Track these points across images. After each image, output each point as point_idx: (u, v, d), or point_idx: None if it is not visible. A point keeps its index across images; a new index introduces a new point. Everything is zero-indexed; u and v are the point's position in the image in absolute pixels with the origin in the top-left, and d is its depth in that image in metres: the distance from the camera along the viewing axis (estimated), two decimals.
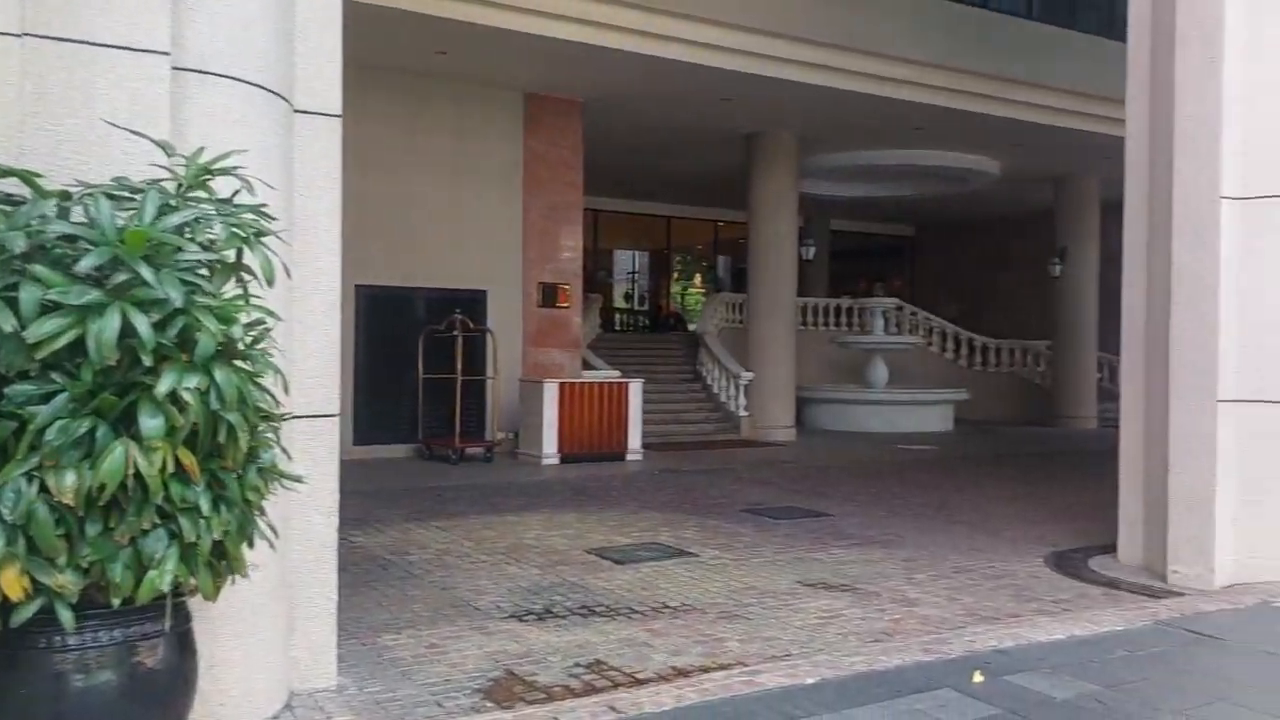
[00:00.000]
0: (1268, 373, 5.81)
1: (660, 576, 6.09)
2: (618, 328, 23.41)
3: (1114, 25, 6.83)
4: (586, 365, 13.75)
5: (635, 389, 12.37)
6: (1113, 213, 7.00)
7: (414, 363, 12.10)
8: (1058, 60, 13.58)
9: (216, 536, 2.63)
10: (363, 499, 8.75)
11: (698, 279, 26.36)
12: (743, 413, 15.14)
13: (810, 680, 3.92)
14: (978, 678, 3.94)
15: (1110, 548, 6.71)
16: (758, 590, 5.76)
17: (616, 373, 13.23)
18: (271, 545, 2.94)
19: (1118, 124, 7.19)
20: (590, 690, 3.99)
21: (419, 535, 7.32)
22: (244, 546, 2.79)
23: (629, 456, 12.17)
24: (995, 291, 22.54)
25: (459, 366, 11.93)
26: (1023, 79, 13.41)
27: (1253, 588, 5.61)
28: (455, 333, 11.97)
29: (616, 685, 4.05)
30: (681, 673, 4.22)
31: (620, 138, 15.19)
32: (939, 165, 16.25)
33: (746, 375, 15.15)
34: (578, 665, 4.33)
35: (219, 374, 2.58)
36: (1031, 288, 20.45)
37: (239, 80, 3.41)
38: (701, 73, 11.96)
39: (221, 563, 2.75)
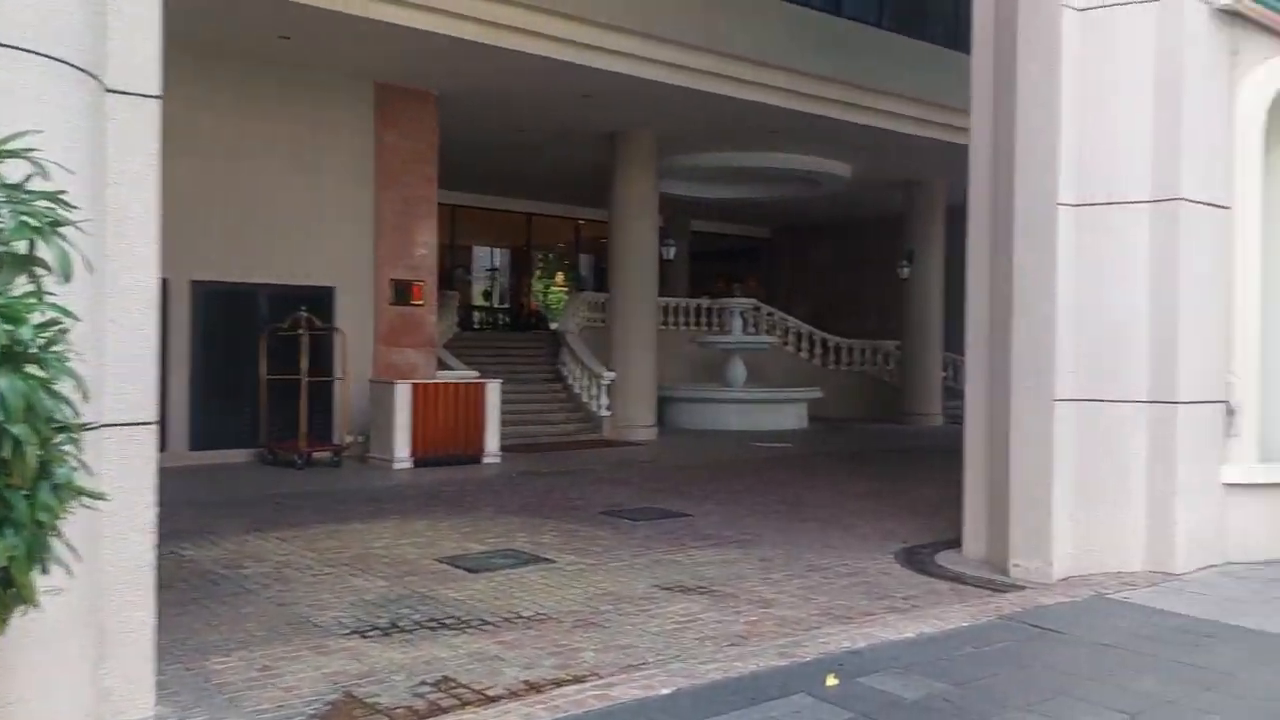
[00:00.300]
0: (1101, 372, 6.08)
1: (515, 584, 5.91)
2: (477, 326, 22.98)
3: (958, 37, 7.06)
4: (442, 365, 13.38)
5: (493, 389, 12.09)
6: (958, 217, 7.23)
7: (256, 363, 11.49)
8: (907, 69, 14.06)
9: (1, 563, 2.32)
10: (197, 509, 8.23)
11: (560, 277, 26.17)
12: (604, 412, 15.06)
13: (665, 691, 3.82)
14: (832, 681, 3.93)
15: (956, 543, 6.91)
16: (615, 596, 5.65)
17: (474, 373, 12.93)
18: (68, 570, 2.63)
19: (962, 132, 7.42)
20: (435, 710, 3.78)
21: (257, 547, 6.90)
22: (34, 573, 2.47)
23: (486, 459, 11.89)
24: (848, 292, 23.22)
25: (304, 367, 11.38)
26: (873, 86, 13.81)
27: (1088, 579, 5.85)
28: (300, 331, 11.41)
29: (464, 704, 3.85)
30: (534, 687, 4.06)
31: (479, 132, 14.87)
32: (794, 168, 16.59)
33: (608, 375, 15.08)
34: (424, 683, 4.11)
35: (3, 381, 2.27)
36: (882, 289, 21.14)
37: (37, 53, 3.06)
38: (559, 68, 11.79)
39: (9, 591, 2.44)
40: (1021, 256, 6.23)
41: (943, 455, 7.04)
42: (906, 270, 19.18)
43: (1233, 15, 6.12)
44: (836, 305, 23.21)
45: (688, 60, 12.35)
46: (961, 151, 7.02)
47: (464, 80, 12.32)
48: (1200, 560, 6.05)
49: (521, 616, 5.20)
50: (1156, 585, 5.70)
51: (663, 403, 16.56)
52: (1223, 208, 6.19)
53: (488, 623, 5.07)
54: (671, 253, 18.56)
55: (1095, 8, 6.08)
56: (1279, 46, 6.46)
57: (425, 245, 12.95)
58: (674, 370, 18.01)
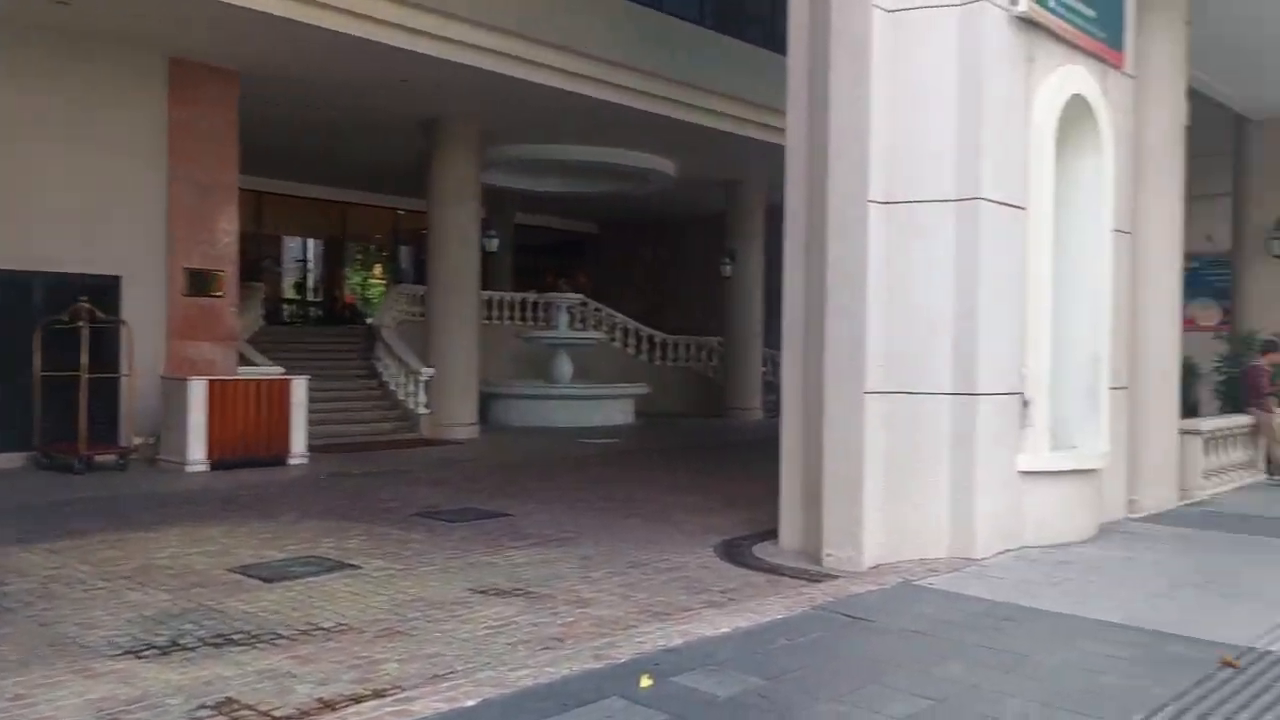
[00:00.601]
0: (908, 366, 6.23)
1: (315, 594, 5.51)
2: (287, 320, 21.81)
3: (776, 38, 7.13)
4: (245, 361, 12.54)
5: (299, 386, 11.42)
6: (778, 216, 7.29)
7: (29, 358, 10.41)
8: (727, 68, 14.23)
9: None
10: None
11: (378, 270, 25.22)
12: (423, 410, 14.56)
13: (471, 702, 3.58)
14: (646, 682, 3.79)
15: (774, 534, 6.96)
16: (425, 602, 5.35)
17: (279, 369, 12.19)
18: None
19: (780, 132, 7.48)
20: None
21: (22, 560, 6.19)
22: None
23: (293, 460, 11.22)
24: (675, 289, 23.46)
25: (84, 362, 10.38)
26: (695, 83, 13.90)
27: (896, 567, 5.98)
28: (80, 324, 10.41)
29: None
30: (328, 705, 3.74)
31: (288, 114, 14.06)
32: (620, 164, 16.55)
33: (427, 371, 14.58)
34: (203, 707, 3.71)
35: None
36: (706, 286, 21.45)
37: None
38: (373, 50, 11.24)
39: None
40: (834, 253, 6.32)
41: (762, 448, 7.09)
42: (729, 268, 19.53)
43: (1029, 23, 6.39)
44: (664, 301, 23.42)
45: (508, 48, 12.04)
46: (780, 151, 7.08)
47: (271, 59, 11.59)
48: (999, 545, 6.30)
49: (320, 628, 4.83)
50: (959, 571, 5.88)
51: (486, 400, 16.20)
52: (1018, 208, 6.46)
53: (281, 636, 4.68)
54: (494, 245, 18.21)
55: (903, 9, 6.23)
56: (1071, 55, 6.83)
57: (226, 233, 12.09)
58: (498, 366, 17.67)
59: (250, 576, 5.88)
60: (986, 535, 6.22)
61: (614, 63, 12.94)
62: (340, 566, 6.18)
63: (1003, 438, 6.35)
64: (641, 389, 18.17)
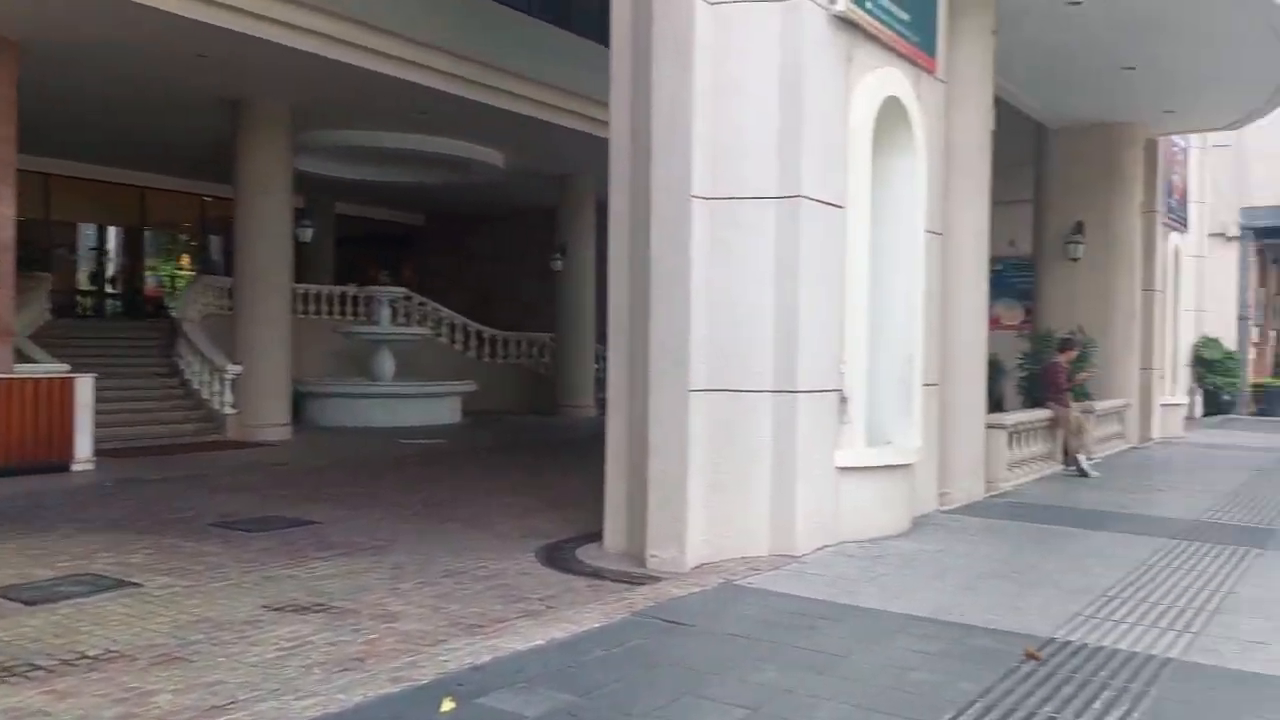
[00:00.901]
0: (731, 363, 6.17)
1: (85, 617, 4.94)
2: (79, 313, 20.07)
3: (604, 30, 6.96)
4: (23, 357, 11.35)
5: (84, 385, 10.42)
6: (608, 211, 7.10)
7: None
8: (556, 59, 13.94)
9: None
10: None
11: (185, 260, 23.58)
12: (229, 410, 13.62)
13: None
14: (447, 705, 3.51)
15: (600, 536, 6.78)
16: (212, 622, 4.88)
17: (64, 366, 11.10)
18: None
19: (607, 126, 7.28)
20: None
21: None
22: None
23: (77, 466, 10.23)
24: (506, 284, 22.98)
25: None
26: (523, 73, 13.56)
27: (719, 567, 5.91)
28: None
29: None
30: None
31: (78, 90, 12.86)
32: (443, 153, 15.98)
33: (233, 368, 13.65)
34: None
35: None
36: (538, 281, 21.11)
37: None
38: (163, 19, 10.25)
39: None
40: (658, 248, 6.20)
41: (593, 446, 6.91)
42: (560, 263, 19.29)
43: (847, 23, 6.44)
44: (494, 297, 22.91)
45: (318, 25, 11.29)
46: (607, 145, 6.89)
47: (49, 25, 10.49)
48: (819, 541, 6.33)
49: (86, 657, 4.31)
50: (780, 569, 5.86)
51: (300, 399, 15.36)
52: (838, 207, 6.51)
53: (39, 668, 4.15)
54: (309, 234, 17.31)
55: (725, 2, 6.16)
56: (887, 58, 6.95)
57: (2, 217, 10.89)
58: (315, 363, 16.81)
59: (9, 599, 5.24)
60: (807, 532, 6.23)
61: (433, 46, 12.39)
62: (118, 585, 5.59)
63: (822, 435, 6.38)
64: (469, 387, 17.68)
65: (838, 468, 6.51)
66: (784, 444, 6.18)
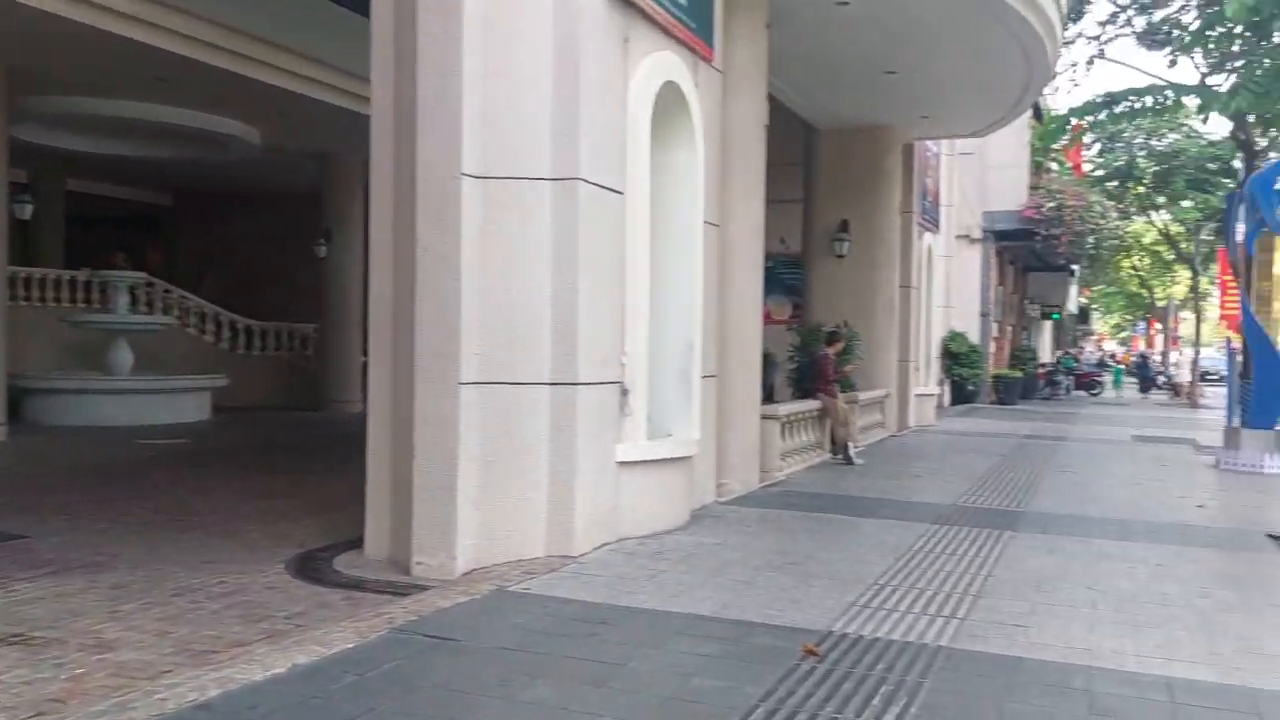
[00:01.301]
0: (506, 354, 5.80)
1: None
2: None
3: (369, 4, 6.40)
4: None
5: None
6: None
7: None
8: (318, 31, 12.90)
9: None
10: None
11: None
12: None
13: None
14: None
15: (362, 542, 6.23)
16: None
17: None
18: None
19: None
20: None
21: None
22: None
23: None
24: (267, 271, 21.39)
25: None
26: (277, 42, 12.48)
27: (491, 572, 5.53)
28: None
29: None
30: None
31: None
32: (191, 126, 14.52)
33: None
34: None
35: None
36: (301, 268, 19.78)
37: None
38: None
39: None
40: (425, 230, 5.73)
41: (357, 445, 6.33)
42: (325, 249, 18.16)
43: (624, 2, 6.20)
44: (252, 284, 21.27)
45: None
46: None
47: None
48: (598, 539, 6.08)
49: None
50: (556, 570, 5.55)
51: (19, 395, 13.57)
52: (617, 192, 6.27)
53: None
54: (28, 212, 15.36)
55: None
56: (665, 42, 6.77)
57: None
58: (39, 356, 14.95)
59: None
60: (586, 531, 5.95)
61: (168, 5, 11.10)
62: None
63: (602, 428, 6.13)
64: (220, 380, 16.23)
65: (619, 462, 6.29)
66: (563, 439, 5.87)
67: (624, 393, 6.32)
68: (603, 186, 6.09)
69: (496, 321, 5.78)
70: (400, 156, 6.03)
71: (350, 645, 4.15)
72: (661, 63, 6.71)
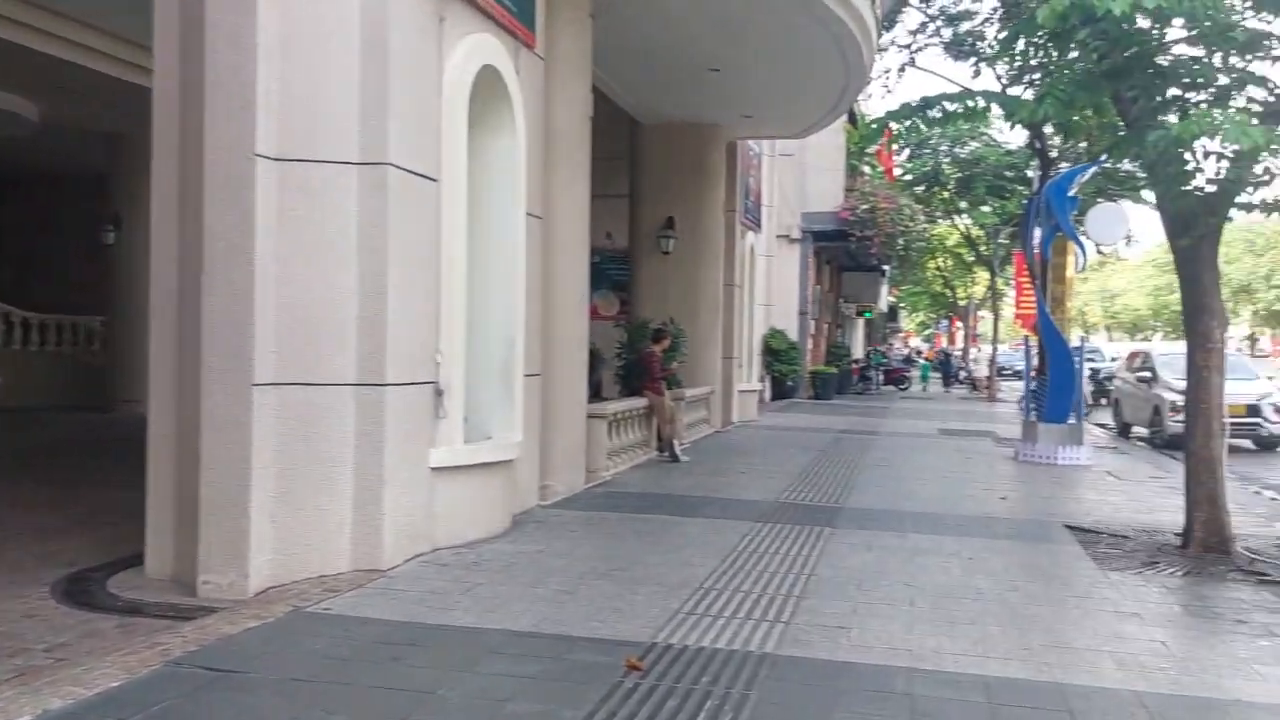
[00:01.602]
0: (306, 353, 5.33)
1: None
2: None
3: None
4: None
5: None
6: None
7: None
8: None
9: None
10: None
11: None
12: None
13: None
14: None
15: (142, 559, 5.60)
16: None
17: None
18: None
19: None
20: None
21: None
22: None
23: None
24: (43, 259, 19.47)
25: None
26: (55, 8, 11.28)
27: (288, 590, 5.06)
28: None
29: None
30: None
31: None
32: None
33: None
34: None
35: None
36: (87, 257, 18.11)
37: None
38: None
39: None
40: (214, 216, 5.20)
41: (145, 449, 5.67)
42: (113, 236, 16.68)
43: None
44: (29, 274, 19.31)
45: None
46: None
47: None
48: (409, 551, 5.69)
49: None
50: (362, 587, 5.13)
51: None
52: (432, 180, 5.89)
53: None
54: None
55: None
56: (484, 23, 6.43)
57: None
58: None
59: None
60: (395, 542, 5.55)
61: None
62: None
63: (414, 432, 5.73)
64: None
65: (432, 468, 5.91)
66: (369, 444, 5.45)
67: (438, 394, 5.94)
68: (415, 173, 5.70)
69: (295, 317, 5.30)
70: (186, 133, 5.46)
71: (115, 684, 3.64)
72: (480, 45, 6.36)
